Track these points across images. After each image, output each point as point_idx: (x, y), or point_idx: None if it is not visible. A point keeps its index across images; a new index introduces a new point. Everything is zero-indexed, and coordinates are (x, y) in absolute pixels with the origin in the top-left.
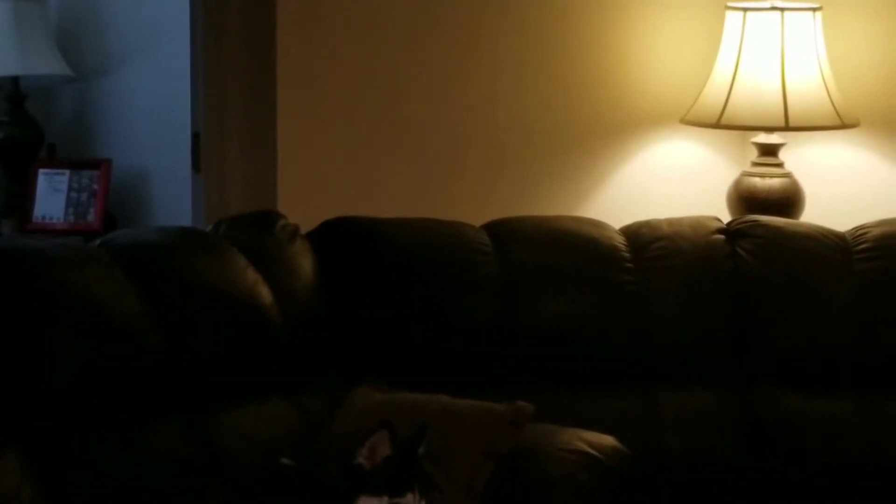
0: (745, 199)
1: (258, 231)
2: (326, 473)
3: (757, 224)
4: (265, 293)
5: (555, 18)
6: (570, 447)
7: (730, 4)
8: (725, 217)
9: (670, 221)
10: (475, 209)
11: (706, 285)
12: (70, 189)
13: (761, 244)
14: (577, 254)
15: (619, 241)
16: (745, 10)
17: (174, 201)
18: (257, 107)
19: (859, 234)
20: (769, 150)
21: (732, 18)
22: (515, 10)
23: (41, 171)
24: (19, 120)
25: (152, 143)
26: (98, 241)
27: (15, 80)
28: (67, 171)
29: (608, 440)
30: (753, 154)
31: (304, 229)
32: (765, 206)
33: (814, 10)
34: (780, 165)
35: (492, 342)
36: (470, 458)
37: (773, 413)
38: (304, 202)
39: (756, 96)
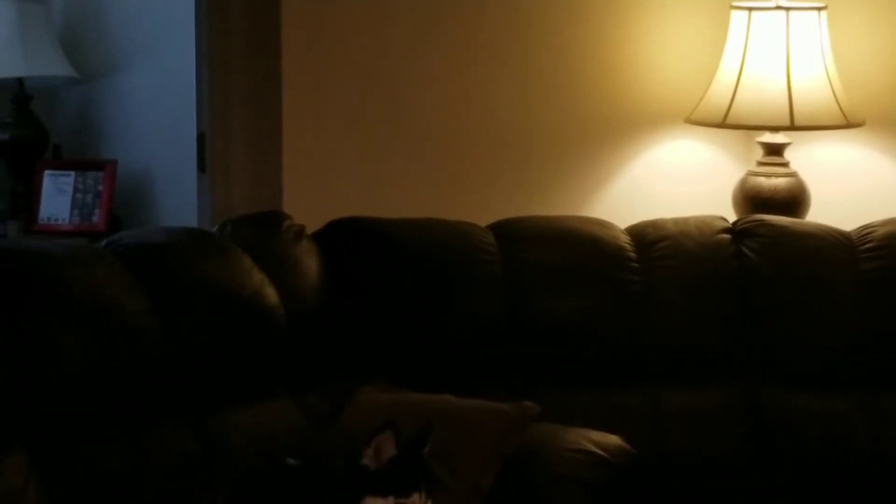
0: (751, 199)
1: (264, 231)
2: (332, 473)
3: (762, 223)
4: (271, 293)
5: (559, 18)
6: (576, 447)
7: (734, 4)
8: (731, 217)
9: (676, 221)
10: (480, 209)
11: (712, 285)
12: (75, 190)
13: (767, 244)
14: (582, 253)
15: (625, 240)
16: (749, 9)
17: (179, 202)
18: (262, 107)
19: (865, 233)
20: (774, 150)
21: (737, 18)
22: (519, 10)
23: (46, 172)
24: (24, 121)
25: (157, 144)
26: (104, 242)
27: (20, 81)
28: (72, 173)
29: (614, 440)
30: (759, 153)
31: (309, 229)
32: (770, 206)
33: (819, 9)
34: (785, 165)
35: (497, 342)
36: (476, 457)
37: (777, 412)
38: (310, 202)
39: (761, 96)
